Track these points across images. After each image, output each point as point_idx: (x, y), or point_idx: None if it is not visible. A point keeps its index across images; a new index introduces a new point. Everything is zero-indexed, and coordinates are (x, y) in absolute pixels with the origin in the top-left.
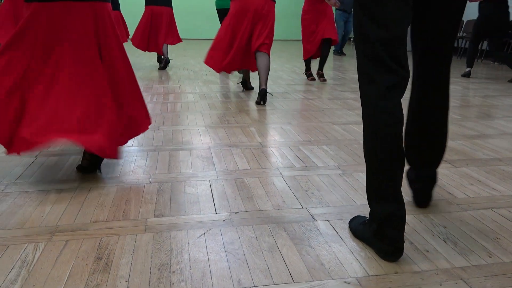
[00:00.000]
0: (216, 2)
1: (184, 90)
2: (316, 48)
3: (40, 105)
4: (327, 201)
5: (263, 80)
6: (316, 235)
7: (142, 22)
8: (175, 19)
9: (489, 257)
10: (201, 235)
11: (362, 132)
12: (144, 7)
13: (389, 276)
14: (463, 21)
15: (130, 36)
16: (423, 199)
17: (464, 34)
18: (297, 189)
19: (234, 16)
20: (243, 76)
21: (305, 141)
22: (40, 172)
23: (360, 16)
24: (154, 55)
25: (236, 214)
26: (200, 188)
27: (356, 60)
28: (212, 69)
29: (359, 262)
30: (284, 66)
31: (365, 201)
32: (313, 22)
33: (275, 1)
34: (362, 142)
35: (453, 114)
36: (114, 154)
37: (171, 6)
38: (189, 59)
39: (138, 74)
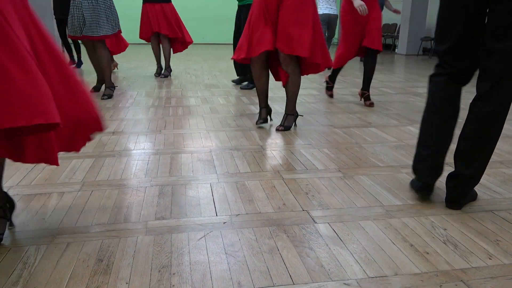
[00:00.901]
0: None
1: (186, 95)
2: (354, 55)
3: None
4: (328, 204)
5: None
6: (316, 237)
7: (141, 19)
8: None
9: (489, 259)
10: (202, 237)
11: (363, 136)
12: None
13: (388, 278)
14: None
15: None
16: (451, 199)
17: None
18: (297, 191)
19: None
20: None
21: (306, 144)
22: (42, 175)
23: None
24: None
25: (237, 217)
26: (201, 191)
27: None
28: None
29: (359, 264)
30: None
31: (365, 204)
32: (359, 23)
33: None
34: (362, 145)
35: None
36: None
37: (167, 2)
38: (191, 64)
39: (140, 79)
